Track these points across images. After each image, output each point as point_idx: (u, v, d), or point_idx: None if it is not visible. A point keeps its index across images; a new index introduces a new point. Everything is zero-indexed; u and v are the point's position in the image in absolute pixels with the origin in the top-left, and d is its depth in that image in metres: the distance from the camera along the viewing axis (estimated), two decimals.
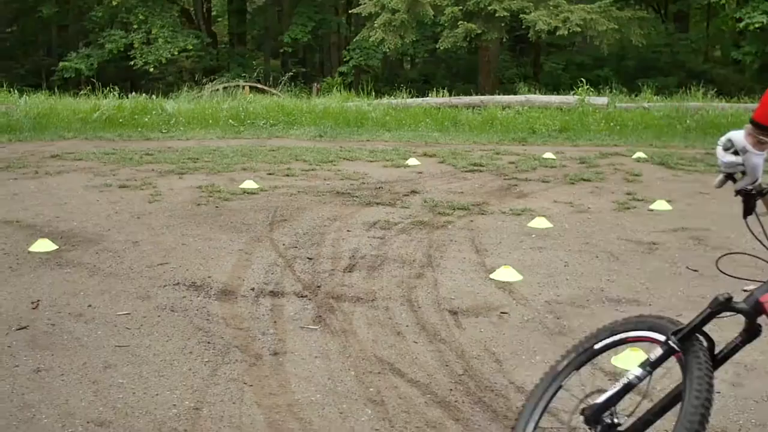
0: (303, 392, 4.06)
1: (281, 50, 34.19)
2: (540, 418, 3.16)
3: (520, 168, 10.76)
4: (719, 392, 4.09)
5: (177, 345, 4.63)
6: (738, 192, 2.93)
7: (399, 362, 4.44)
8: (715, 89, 19.75)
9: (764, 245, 2.92)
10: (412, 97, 18.50)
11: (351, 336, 4.81)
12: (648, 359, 3.00)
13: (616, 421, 3.00)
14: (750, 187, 2.90)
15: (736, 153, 2.87)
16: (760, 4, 21.65)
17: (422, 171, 10.49)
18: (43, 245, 6.57)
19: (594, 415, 2.99)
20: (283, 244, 6.82)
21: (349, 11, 30.12)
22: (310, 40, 33.80)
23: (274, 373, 4.28)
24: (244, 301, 5.41)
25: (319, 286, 5.74)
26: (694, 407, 2.77)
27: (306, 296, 5.53)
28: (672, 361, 2.92)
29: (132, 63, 28.76)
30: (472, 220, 7.80)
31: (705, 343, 2.98)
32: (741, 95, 19.90)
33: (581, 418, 3.03)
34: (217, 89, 20.14)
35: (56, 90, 20.42)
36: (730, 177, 2.93)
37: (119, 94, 17.50)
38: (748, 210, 2.95)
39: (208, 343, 4.66)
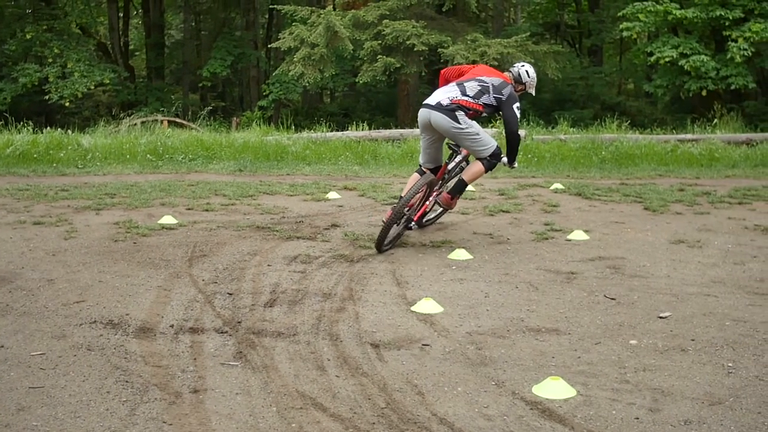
0: (224, 430, 4.01)
1: (200, 84, 34.00)
2: None
3: None
4: (637, 418, 4.17)
5: (94, 385, 4.53)
6: None
7: (321, 397, 4.41)
8: (629, 121, 20.27)
9: None
10: (332, 131, 18.54)
11: (272, 371, 4.77)
12: None
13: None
14: None
15: None
16: (670, 39, 22.29)
17: (343, 204, 10.50)
18: None
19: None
20: (203, 280, 6.74)
21: (268, 45, 30.14)
22: (230, 74, 33.74)
23: (194, 411, 4.22)
24: (163, 338, 5.33)
25: (239, 322, 5.68)
26: None
27: (226, 332, 5.47)
28: None
29: (47, 97, 28.24)
30: (392, 253, 7.82)
31: None
32: (653, 126, 20.44)
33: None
34: (135, 124, 19.90)
35: None
36: None
37: (33, 129, 17.14)
38: None
39: (126, 382, 4.57)
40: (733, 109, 22.14)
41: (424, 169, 8.30)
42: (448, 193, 8.20)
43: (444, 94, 7.98)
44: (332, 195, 11.09)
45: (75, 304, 6.04)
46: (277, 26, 34.69)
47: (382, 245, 7.82)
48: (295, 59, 24.11)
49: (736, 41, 20.89)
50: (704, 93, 21.79)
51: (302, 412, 4.23)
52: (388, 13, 23.93)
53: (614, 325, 5.73)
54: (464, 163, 8.68)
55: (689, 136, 17.21)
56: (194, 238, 8.35)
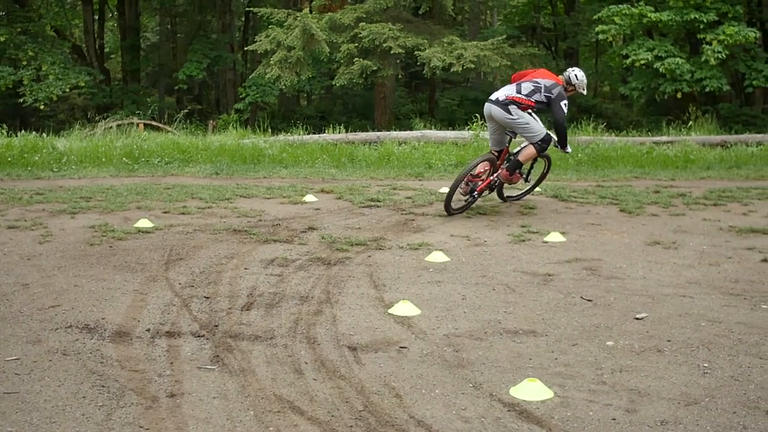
0: None
1: (176, 87, 33.88)
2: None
3: (416, 203, 10.85)
4: (614, 419, 4.19)
5: (69, 390, 4.50)
6: None
7: (299, 400, 4.40)
8: (605, 123, 20.36)
9: None
10: (308, 134, 18.49)
11: (250, 375, 4.76)
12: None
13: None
14: None
15: None
16: (645, 42, 22.42)
17: (320, 207, 10.49)
18: None
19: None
20: (179, 284, 6.72)
21: (245, 48, 30.08)
22: (206, 77, 33.63)
23: (171, 415, 4.20)
24: (140, 343, 5.30)
25: (216, 325, 5.66)
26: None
27: (203, 336, 5.45)
28: None
29: (21, 100, 28.01)
30: (370, 256, 7.82)
31: None
32: (629, 129, 20.54)
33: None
34: (111, 127, 19.78)
35: None
36: None
37: (8, 132, 17.02)
38: None
39: (102, 386, 4.55)
40: (707, 111, 22.33)
41: (493, 152, 10.22)
42: (506, 170, 10.01)
43: (503, 91, 9.99)
44: (309, 198, 11.08)
45: (50, 309, 6.00)
46: (254, 29, 34.62)
47: (448, 208, 9.91)
48: (271, 62, 24.06)
49: (710, 44, 21.04)
50: (679, 95, 21.93)
51: (280, 415, 4.22)
52: (364, 15, 23.92)
53: (591, 327, 5.75)
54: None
55: (664, 138, 17.32)
56: (171, 241, 8.31)
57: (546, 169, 11.09)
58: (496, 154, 10.17)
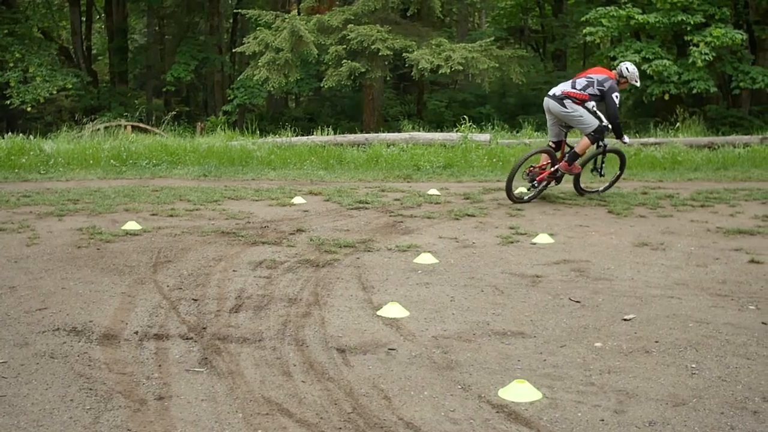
0: None
1: (164, 89, 33.80)
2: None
3: (405, 205, 10.86)
4: (602, 420, 4.19)
5: (57, 393, 4.48)
6: None
7: (287, 402, 4.40)
8: None
9: None
10: (297, 136, 18.49)
11: (238, 377, 4.75)
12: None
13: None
14: None
15: None
16: (632, 43, 22.49)
17: (308, 209, 10.48)
18: None
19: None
20: (168, 286, 6.70)
21: (233, 50, 30.03)
22: (194, 79, 33.56)
23: (159, 418, 4.19)
24: (128, 345, 5.29)
25: (204, 328, 5.65)
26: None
27: (191, 338, 5.44)
28: None
29: (8, 102, 27.92)
30: (358, 258, 7.82)
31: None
32: None
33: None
34: (98, 129, 19.74)
35: None
36: None
37: None
38: None
39: (90, 389, 4.53)
40: (695, 113, 22.41)
41: (550, 144, 11.24)
42: (565, 161, 10.98)
43: (560, 87, 10.98)
44: (298, 200, 11.07)
45: (38, 312, 5.97)
46: (242, 31, 34.64)
47: (510, 195, 10.89)
48: (259, 64, 24.05)
49: (697, 46, 21.12)
50: (667, 97, 22.00)
51: (268, 418, 4.21)
52: (352, 17, 23.94)
53: (579, 328, 5.76)
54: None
55: (652, 139, 17.38)
56: (159, 243, 8.30)
57: (621, 164, 11.91)
58: (553, 146, 11.16)
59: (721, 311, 6.19)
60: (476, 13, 38.75)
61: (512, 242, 8.62)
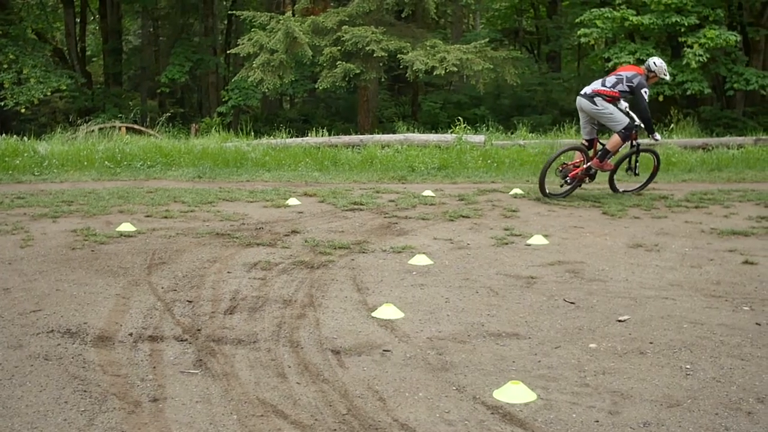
0: None
1: (158, 90, 33.76)
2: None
3: (400, 206, 10.86)
4: (597, 421, 4.20)
5: (51, 395, 4.47)
6: None
7: (282, 404, 4.39)
8: None
9: None
10: (291, 137, 18.49)
11: (233, 379, 4.74)
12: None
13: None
14: None
15: None
16: (627, 45, 22.52)
17: (303, 211, 10.48)
18: None
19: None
20: (162, 288, 6.69)
21: (227, 51, 30.00)
22: (188, 81, 33.55)
23: (153, 420, 4.18)
24: (122, 347, 5.28)
25: (199, 330, 5.64)
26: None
27: (186, 340, 5.43)
28: None
29: (2, 103, 27.87)
30: (353, 259, 7.81)
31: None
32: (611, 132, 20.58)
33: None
34: (92, 130, 19.72)
35: None
36: None
37: None
38: None
39: (85, 391, 4.52)
40: (689, 114, 22.45)
41: (583, 141, 11.65)
42: (597, 158, 11.37)
43: (591, 86, 11.39)
44: (292, 201, 11.06)
45: (32, 313, 5.96)
46: (236, 32, 34.58)
47: (542, 190, 11.40)
48: (254, 65, 24.05)
49: (691, 47, 21.16)
50: (661, 98, 22.04)
51: (263, 419, 4.21)
52: (347, 19, 23.94)
53: (574, 329, 5.77)
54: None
55: (647, 140, 17.38)
56: (153, 245, 8.29)
57: (656, 163, 12.18)
58: (585, 143, 11.54)
59: (715, 312, 6.20)
60: (471, 15, 38.75)
61: (507, 243, 8.62)
